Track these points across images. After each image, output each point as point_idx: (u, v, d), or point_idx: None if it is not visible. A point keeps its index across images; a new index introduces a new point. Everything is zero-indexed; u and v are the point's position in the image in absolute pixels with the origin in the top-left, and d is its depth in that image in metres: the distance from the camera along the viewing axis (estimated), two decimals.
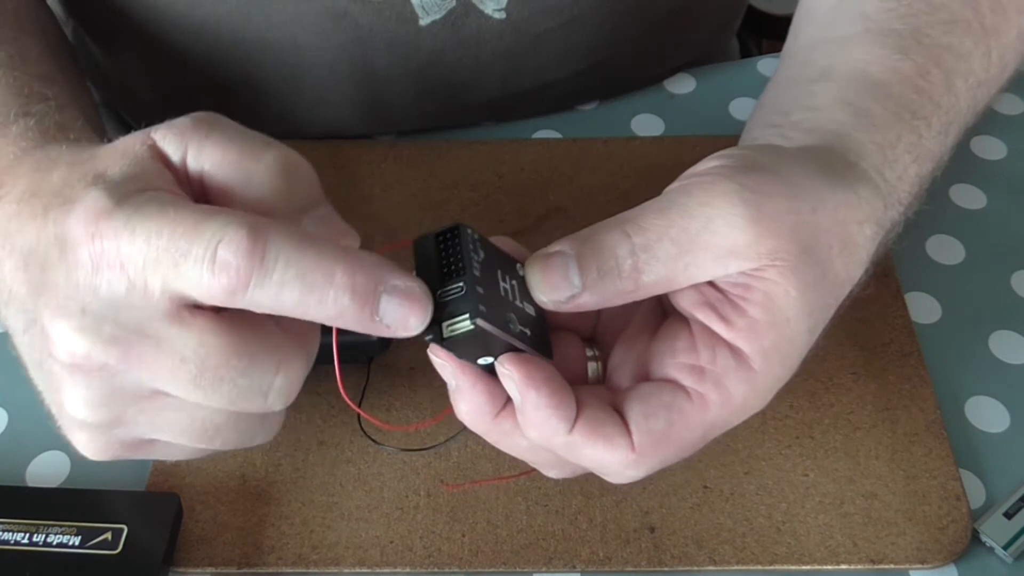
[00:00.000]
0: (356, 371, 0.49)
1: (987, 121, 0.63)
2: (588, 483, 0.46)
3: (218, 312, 0.33)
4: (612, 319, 0.40)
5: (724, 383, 0.36)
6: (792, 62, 0.49)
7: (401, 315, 0.32)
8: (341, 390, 0.35)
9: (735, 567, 0.44)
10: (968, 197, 0.59)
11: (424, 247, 0.35)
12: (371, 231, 0.57)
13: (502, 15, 0.57)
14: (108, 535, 0.43)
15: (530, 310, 0.36)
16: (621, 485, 0.39)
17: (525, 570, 0.44)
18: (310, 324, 0.34)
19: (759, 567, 0.44)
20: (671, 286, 0.36)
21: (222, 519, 0.46)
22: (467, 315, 0.33)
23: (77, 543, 0.43)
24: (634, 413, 0.36)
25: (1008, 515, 0.45)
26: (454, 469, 0.47)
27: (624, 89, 0.65)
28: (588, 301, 0.35)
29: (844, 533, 0.45)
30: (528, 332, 0.35)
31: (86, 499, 0.45)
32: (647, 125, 0.63)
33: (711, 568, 0.44)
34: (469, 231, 0.35)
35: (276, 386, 0.33)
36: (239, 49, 0.57)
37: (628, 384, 0.38)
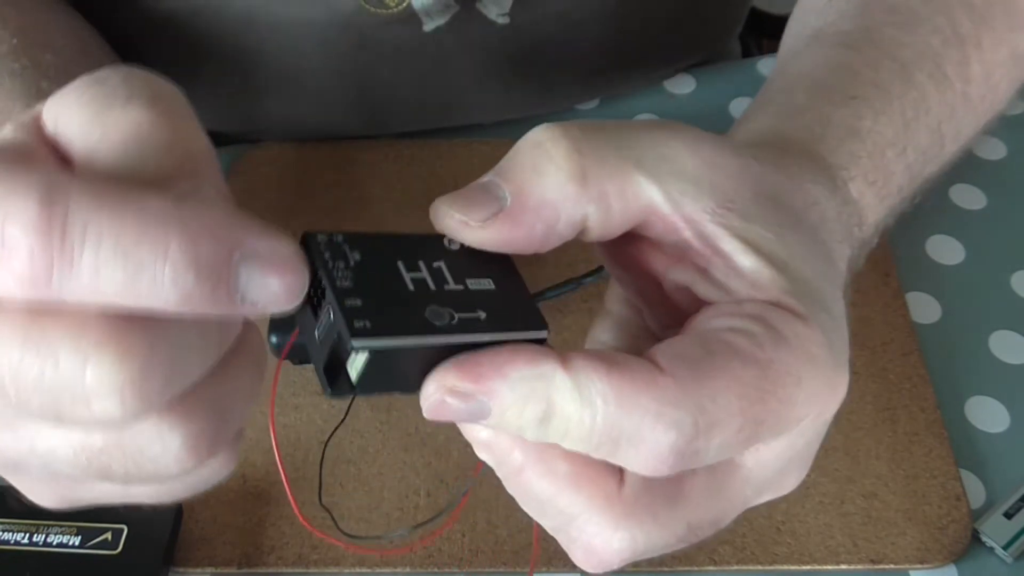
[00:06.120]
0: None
1: None
2: None
3: None
4: None
5: (767, 319, 0.28)
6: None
7: (270, 288, 0.24)
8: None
9: (735, 567, 0.44)
10: (968, 197, 0.59)
11: None
12: (371, 231, 0.57)
13: (505, 20, 0.57)
14: (108, 535, 0.43)
15: (484, 284, 0.28)
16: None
17: (525, 570, 0.44)
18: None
19: (759, 567, 0.44)
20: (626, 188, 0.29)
21: (222, 519, 0.46)
22: (348, 343, 0.25)
23: (77, 543, 0.43)
24: (657, 348, 0.28)
25: (1008, 515, 0.45)
26: (455, 469, 0.47)
27: (626, 90, 0.65)
28: (524, 218, 0.28)
29: (844, 533, 0.45)
30: (483, 315, 0.27)
31: None
32: None
33: (711, 568, 0.44)
34: (321, 237, 0.27)
35: (91, 386, 0.23)
36: (242, 53, 0.57)
37: None
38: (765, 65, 0.67)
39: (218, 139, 0.63)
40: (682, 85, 0.66)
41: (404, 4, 0.55)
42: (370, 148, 0.61)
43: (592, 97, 0.65)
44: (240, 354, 0.27)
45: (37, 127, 0.27)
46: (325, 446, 0.47)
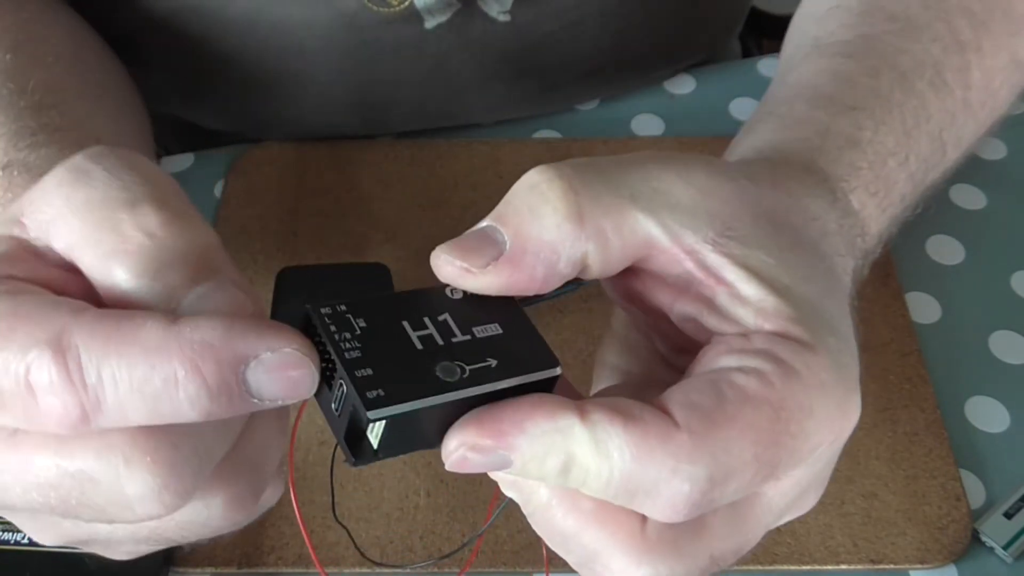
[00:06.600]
0: None
1: None
2: None
3: None
4: None
5: (776, 353, 0.28)
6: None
7: (283, 385, 0.26)
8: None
9: (735, 567, 0.44)
10: (968, 197, 0.59)
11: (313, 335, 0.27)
12: (371, 231, 0.57)
13: (507, 18, 0.57)
14: None
15: (491, 330, 0.29)
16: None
17: (525, 570, 0.44)
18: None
19: (759, 567, 0.44)
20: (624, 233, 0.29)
21: None
22: (364, 415, 0.26)
23: None
24: (671, 395, 0.28)
25: (1008, 515, 0.45)
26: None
27: (626, 90, 0.65)
28: (524, 260, 0.29)
29: (844, 533, 0.45)
30: (494, 362, 0.28)
31: None
32: (647, 125, 0.63)
33: None
34: (323, 312, 0.27)
35: (132, 497, 0.26)
36: (243, 53, 0.57)
37: None
38: (765, 65, 0.67)
39: (218, 139, 0.63)
40: (682, 85, 0.66)
41: (407, 2, 0.55)
42: (370, 148, 0.61)
43: (592, 97, 0.65)
44: (261, 412, 0.28)
45: (19, 236, 0.29)
46: (333, 459, 0.47)
